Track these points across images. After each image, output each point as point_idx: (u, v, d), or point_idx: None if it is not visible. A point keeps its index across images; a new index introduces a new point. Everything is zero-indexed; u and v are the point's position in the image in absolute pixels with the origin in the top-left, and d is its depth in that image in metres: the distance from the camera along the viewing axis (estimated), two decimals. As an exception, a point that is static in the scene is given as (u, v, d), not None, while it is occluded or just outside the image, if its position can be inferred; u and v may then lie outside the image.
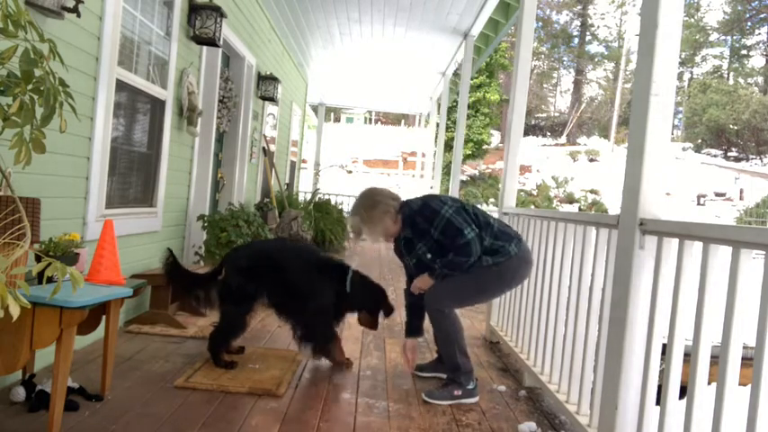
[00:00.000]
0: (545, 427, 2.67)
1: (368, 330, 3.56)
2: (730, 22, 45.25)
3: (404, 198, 3.07)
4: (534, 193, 32.24)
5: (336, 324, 3.27)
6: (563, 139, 44.99)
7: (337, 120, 43.37)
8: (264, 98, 7.08)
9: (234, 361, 3.10)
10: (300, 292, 3.12)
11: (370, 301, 3.26)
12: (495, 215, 4.45)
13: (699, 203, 32.39)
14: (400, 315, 5.07)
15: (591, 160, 38.75)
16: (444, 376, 3.05)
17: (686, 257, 1.86)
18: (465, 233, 2.77)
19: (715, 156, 42.28)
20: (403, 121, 42.97)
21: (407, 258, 3.10)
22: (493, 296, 3.10)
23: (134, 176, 3.89)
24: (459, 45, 7.85)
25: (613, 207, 28.53)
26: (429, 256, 2.94)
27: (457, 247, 2.79)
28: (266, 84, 7.02)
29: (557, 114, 47.88)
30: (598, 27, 50.26)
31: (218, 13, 4.52)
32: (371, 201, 3.00)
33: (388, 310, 3.28)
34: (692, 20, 44.19)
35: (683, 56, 42.66)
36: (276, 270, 3.13)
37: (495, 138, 37.60)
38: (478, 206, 3.11)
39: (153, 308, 3.86)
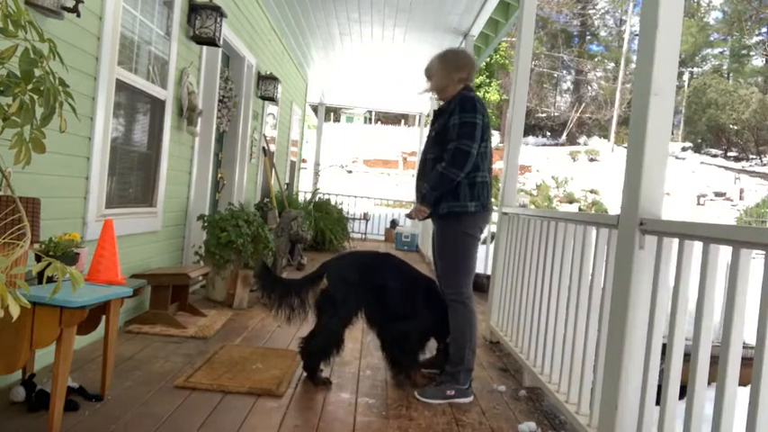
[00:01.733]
0: (545, 426, 2.67)
1: (368, 330, 3.55)
2: (730, 22, 45.24)
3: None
4: (534, 193, 32.24)
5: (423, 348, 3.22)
6: (563, 139, 44.98)
7: (337, 120, 43.37)
8: (264, 98, 7.08)
9: (330, 380, 3.04)
10: (405, 312, 3.08)
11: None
12: (495, 215, 4.46)
13: (699, 203, 32.40)
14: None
15: (591, 160, 38.76)
16: (442, 372, 3.06)
17: (686, 257, 1.86)
18: (473, 144, 2.86)
19: (715, 156, 42.29)
20: (403, 120, 42.97)
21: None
22: (476, 248, 3.13)
23: (134, 176, 3.89)
24: (459, 45, 7.84)
25: (613, 207, 28.52)
26: (434, 133, 3.03)
27: (455, 149, 2.85)
28: (266, 84, 7.01)
29: (557, 114, 47.84)
30: (598, 27, 50.30)
31: (218, 12, 4.52)
32: (454, 59, 3.11)
33: None
34: (693, 20, 44.17)
35: (683, 56, 42.65)
36: (383, 286, 3.07)
37: (495, 138, 37.61)
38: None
39: (153, 308, 3.85)
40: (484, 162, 3.00)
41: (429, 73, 3.17)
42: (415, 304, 3.10)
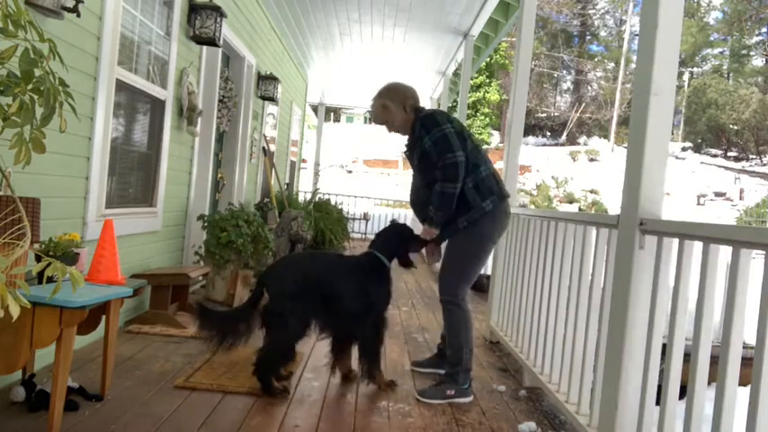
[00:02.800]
0: (545, 426, 2.67)
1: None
2: (730, 22, 45.23)
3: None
4: (534, 193, 32.24)
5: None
6: (563, 139, 44.98)
7: (337, 120, 43.35)
8: (264, 98, 7.08)
9: (287, 388, 2.84)
10: (355, 301, 2.86)
11: (403, 250, 3.06)
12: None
13: (699, 203, 32.40)
14: (400, 316, 5.07)
15: (591, 160, 38.77)
16: (442, 372, 3.06)
17: (686, 257, 1.86)
18: (455, 153, 2.83)
19: (715, 156, 42.30)
20: (403, 120, 42.88)
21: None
22: (488, 255, 3.10)
23: (134, 176, 3.89)
24: (459, 45, 7.84)
25: (613, 207, 28.53)
26: (417, 162, 3.05)
27: (443, 167, 2.84)
28: (266, 84, 7.01)
29: (557, 114, 47.83)
30: (598, 27, 50.30)
31: (218, 12, 4.52)
32: (395, 89, 3.14)
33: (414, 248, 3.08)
34: (693, 20, 44.17)
35: (683, 56, 42.64)
36: (326, 284, 2.83)
37: (495, 138, 37.61)
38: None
39: (153, 308, 3.86)
40: (478, 157, 2.96)
41: (382, 119, 3.16)
42: (362, 294, 2.87)
